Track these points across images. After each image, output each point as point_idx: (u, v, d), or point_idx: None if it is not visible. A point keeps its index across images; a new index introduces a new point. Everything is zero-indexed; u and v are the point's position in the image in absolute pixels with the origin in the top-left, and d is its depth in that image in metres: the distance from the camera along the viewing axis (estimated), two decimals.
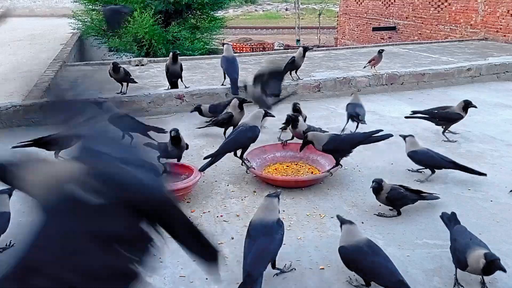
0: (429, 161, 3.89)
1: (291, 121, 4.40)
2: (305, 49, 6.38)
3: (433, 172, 3.88)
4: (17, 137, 5.11)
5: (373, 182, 3.36)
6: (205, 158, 3.98)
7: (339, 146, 3.83)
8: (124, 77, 6.19)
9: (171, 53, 6.33)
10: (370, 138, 3.90)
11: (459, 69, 7.66)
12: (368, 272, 2.52)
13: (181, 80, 6.54)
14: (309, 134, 3.92)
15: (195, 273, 2.72)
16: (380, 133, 3.91)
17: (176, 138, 3.93)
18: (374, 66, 7.02)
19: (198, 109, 5.53)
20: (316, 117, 5.73)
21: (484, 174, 3.80)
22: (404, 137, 4.02)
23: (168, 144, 3.97)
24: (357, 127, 4.95)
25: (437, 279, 2.65)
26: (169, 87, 6.52)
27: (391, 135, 3.95)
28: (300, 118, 4.50)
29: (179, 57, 6.43)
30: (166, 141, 3.94)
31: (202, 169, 3.85)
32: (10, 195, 3.30)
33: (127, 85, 6.22)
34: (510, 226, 3.23)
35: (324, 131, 4.34)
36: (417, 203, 3.41)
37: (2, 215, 3.18)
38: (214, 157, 3.93)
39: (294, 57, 6.38)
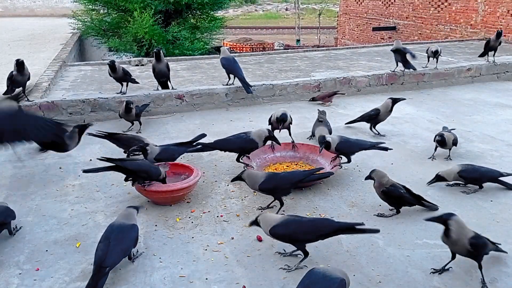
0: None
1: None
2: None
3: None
4: None
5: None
6: (196, 145, 4.14)
7: (278, 185, 3.38)
8: (123, 77, 6.16)
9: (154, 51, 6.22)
10: (310, 176, 3.52)
11: (459, 69, 7.66)
12: (310, 230, 2.68)
13: (169, 81, 6.40)
14: (244, 174, 3.42)
15: (195, 273, 2.73)
16: (322, 171, 3.81)
17: None
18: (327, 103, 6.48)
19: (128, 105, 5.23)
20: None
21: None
22: None
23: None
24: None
25: (437, 279, 2.65)
26: (158, 87, 6.42)
27: (331, 173, 3.76)
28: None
29: (169, 56, 6.36)
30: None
31: (189, 151, 4.11)
32: None
33: (127, 85, 6.21)
34: (510, 226, 3.23)
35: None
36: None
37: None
38: (203, 147, 4.12)
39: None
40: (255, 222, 2.83)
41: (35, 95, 6.06)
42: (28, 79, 5.51)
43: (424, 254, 2.88)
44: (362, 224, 2.71)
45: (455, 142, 4.39)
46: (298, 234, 2.70)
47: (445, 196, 3.65)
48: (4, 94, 5.50)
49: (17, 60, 5.28)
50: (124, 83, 6.19)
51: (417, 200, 3.40)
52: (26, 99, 5.65)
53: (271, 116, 4.61)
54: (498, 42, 7.53)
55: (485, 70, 7.81)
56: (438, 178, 3.80)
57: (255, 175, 3.44)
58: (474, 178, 3.74)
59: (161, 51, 6.22)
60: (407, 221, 3.28)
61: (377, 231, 2.72)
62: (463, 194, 3.70)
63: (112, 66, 6.02)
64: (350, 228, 2.70)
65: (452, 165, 3.89)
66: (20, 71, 5.26)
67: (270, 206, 3.48)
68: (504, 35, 11.63)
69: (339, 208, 3.50)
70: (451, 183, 3.84)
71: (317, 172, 3.63)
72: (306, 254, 2.73)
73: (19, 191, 3.86)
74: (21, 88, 5.36)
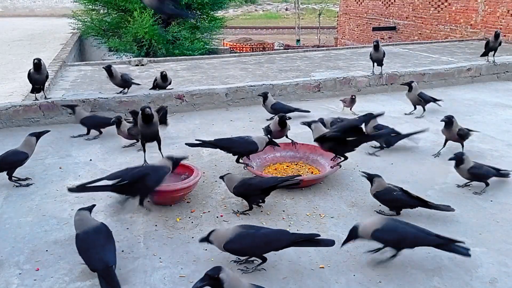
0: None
1: None
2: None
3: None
4: (17, 137, 5.11)
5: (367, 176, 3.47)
6: (196, 140, 4.09)
7: (249, 190, 3.41)
8: (122, 83, 6.12)
9: (160, 74, 6.24)
10: (282, 183, 3.46)
11: (459, 69, 7.66)
12: (264, 244, 2.67)
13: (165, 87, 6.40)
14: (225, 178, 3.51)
15: (195, 273, 2.73)
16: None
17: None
18: (350, 108, 6.00)
19: (72, 108, 5.23)
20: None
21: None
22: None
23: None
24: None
25: (437, 279, 2.65)
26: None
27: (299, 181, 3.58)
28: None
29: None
30: None
31: (189, 144, 4.05)
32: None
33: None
34: (510, 226, 3.23)
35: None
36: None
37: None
38: (203, 143, 4.03)
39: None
40: (207, 240, 2.72)
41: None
42: (47, 77, 5.70)
43: (424, 254, 2.88)
44: (318, 235, 2.70)
45: (461, 132, 4.35)
46: (253, 248, 2.68)
47: (445, 197, 3.65)
48: (31, 92, 5.75)
49: (33, 60, 5.44)
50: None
51: (419, 202, 3.33)
52: (44, 96, 5.79)
53: (268, 126, 4.54)
54: (497, 42, 7.51)
55: (485, 70, 7.81)
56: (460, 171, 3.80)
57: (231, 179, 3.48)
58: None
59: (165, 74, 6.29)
60: (407, 221, 3.27)
61: (332, 243, 2.69)
62: (463, 194, 3.70)
63: (108, 70, 6.00)
64: (306, 240, 2.69)
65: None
66: (37, 70, 5.44)
67: (245, 212, 3.45)
68: (504, 35, 11.64)
69: (339, 208, 3.50)
70: (461, 184, 3.84)
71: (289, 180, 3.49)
72: (263, 259, 2.71)
73: (19, 191, 3.86)
74: None
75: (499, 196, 3.67)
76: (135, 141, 4.86)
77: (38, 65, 5.34)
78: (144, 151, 4.03)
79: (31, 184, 3.97)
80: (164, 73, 6.28)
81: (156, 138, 4.05)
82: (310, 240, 2.69)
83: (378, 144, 4.71)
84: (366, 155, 4.52)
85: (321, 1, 48.24)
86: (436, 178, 4.02)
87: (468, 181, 3.83)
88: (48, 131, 4.33)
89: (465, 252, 2.70)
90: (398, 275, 2.69)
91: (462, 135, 4.40)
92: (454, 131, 4.33)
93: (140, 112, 3.82)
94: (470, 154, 4.51)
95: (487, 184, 3.75)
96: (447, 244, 2.71)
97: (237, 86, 6.39)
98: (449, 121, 4.31)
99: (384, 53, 6.93)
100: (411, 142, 4.92)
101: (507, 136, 5.07)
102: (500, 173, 3.84)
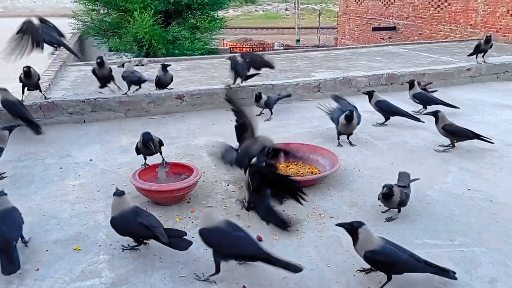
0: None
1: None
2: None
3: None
4: (17, 137, 5.11)
5: (384, 187, 3.23)
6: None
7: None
8: (108, 74, 5.95)
9: (161, 65, 6.18)
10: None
11: (459, 69, 7.66)
12: (231, 246, 2.59)
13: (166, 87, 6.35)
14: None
15: (195, 273, 2.72)
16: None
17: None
18: None
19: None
20: (316, 117, 5.73)
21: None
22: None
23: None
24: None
25: (437, 279, 2.65)
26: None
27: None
28: None
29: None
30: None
31: None
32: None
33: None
34: (510, 226, 3.23)
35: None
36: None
37: None
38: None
39: None
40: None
41: (35, 95, 6.06)
42: (39, 79, 5.72)
43: (424, 254, 2.87)
44: (287, 264, 2.54)
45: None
46: (221, 245, 2.61)
47: (445, 196, 3.65)
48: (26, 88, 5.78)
49: (23, 68, 5.46)
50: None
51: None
52: (44, 96, 5.83)
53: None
54: (488, 46, 7.49)
55: (485, 70, 7.81)
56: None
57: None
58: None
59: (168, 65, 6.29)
60: (407, 221, 3.28)
61: (299, 270, 2.51)
62: (463, 194, 3.70)
63: (100, 63, 5.82)
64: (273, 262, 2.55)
65: (452, 160, 3.87)
66: (27, 77, 5.48)
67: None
68: (504, 35, 11.65)
69: (339, 208, 3.50)
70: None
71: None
72: (216, 270, 2.63)
73: (19, 191, 3.86)
74: None
75: (499, 196, 3.67)
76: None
77: (27, 73, 5.40)
78: (145, 158, 4.01)
79: (4, 177, 4.11)
80: (168, 64, 6.22)
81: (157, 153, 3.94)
82: (272, 261, 2.54)
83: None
84: (366, 156, 4.52)
85: (321, 1, 48.23)
86: (436, 178, 4.02)
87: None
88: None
89: (452, 276, 2.58)
90: (398, 275, 2.69)
91: None
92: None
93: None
94: (470, 154, 4.54)
95: (453, 146, 4.64)
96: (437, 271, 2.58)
97: (238, 85, 6.38)
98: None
99: None
100: (411, 141, 4.93)
101: (507, 136, 5.07)
102: (478, 136, 4.52)
